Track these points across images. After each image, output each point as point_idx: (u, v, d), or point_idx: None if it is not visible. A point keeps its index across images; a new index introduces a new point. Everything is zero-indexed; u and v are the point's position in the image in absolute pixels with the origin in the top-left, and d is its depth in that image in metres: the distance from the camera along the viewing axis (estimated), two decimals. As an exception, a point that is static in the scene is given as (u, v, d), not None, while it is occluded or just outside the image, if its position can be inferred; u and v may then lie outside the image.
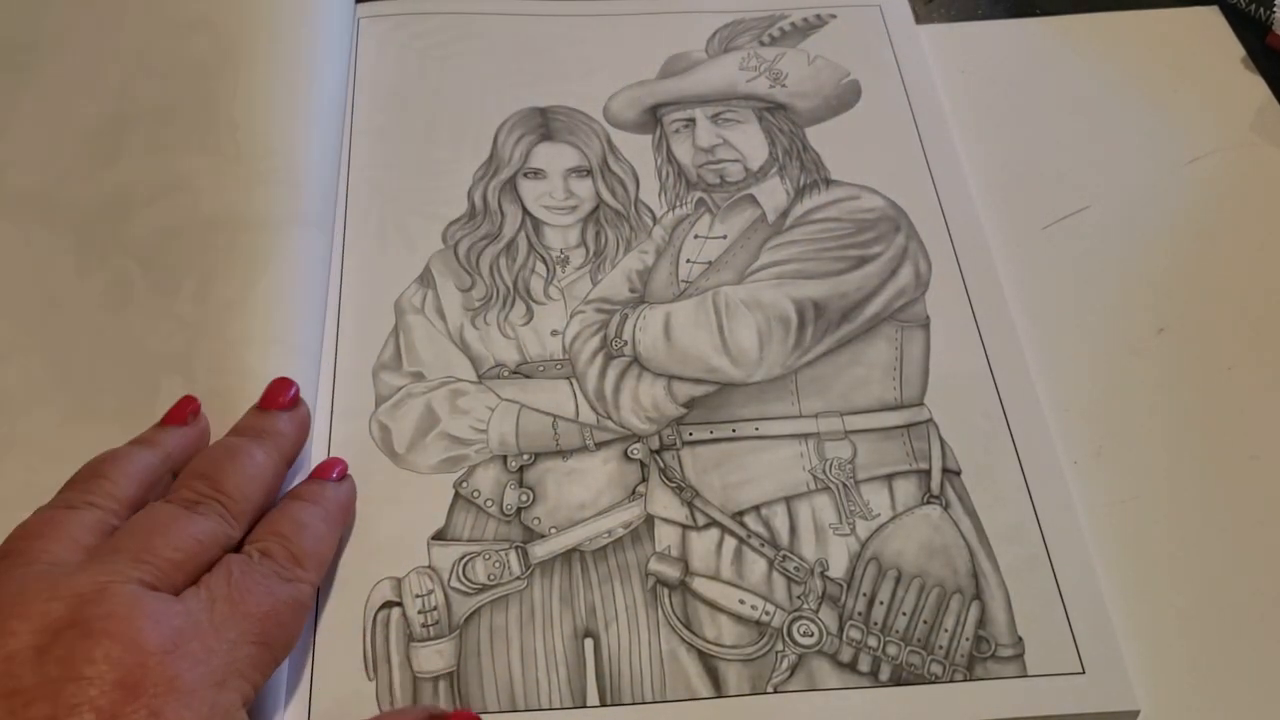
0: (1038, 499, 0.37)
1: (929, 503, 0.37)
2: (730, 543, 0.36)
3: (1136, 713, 0.33)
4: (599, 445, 0.38)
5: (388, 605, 0.35)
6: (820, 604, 0.34)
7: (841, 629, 0.34)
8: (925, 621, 0.34)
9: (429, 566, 0.35)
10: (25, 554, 0.29)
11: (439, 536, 0.36)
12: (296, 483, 0.35)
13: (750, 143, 0.47)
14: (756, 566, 0.35)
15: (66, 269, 0.40)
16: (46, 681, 0.26)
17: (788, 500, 0.37)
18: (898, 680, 0.33)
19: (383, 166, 0.46)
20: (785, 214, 0.44)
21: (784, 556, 0.35)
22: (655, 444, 0.38)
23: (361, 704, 0.33)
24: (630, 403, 0.39)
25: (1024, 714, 0.32)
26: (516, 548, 0.36)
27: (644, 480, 0.37)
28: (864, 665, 0.33)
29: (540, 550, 0.36)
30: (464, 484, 0.37)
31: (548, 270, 0.43)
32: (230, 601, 0.29)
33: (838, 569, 0.35)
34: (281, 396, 0.35)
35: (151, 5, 0.46)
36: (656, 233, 0.44)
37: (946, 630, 0.34)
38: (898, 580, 0.35)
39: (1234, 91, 0.49)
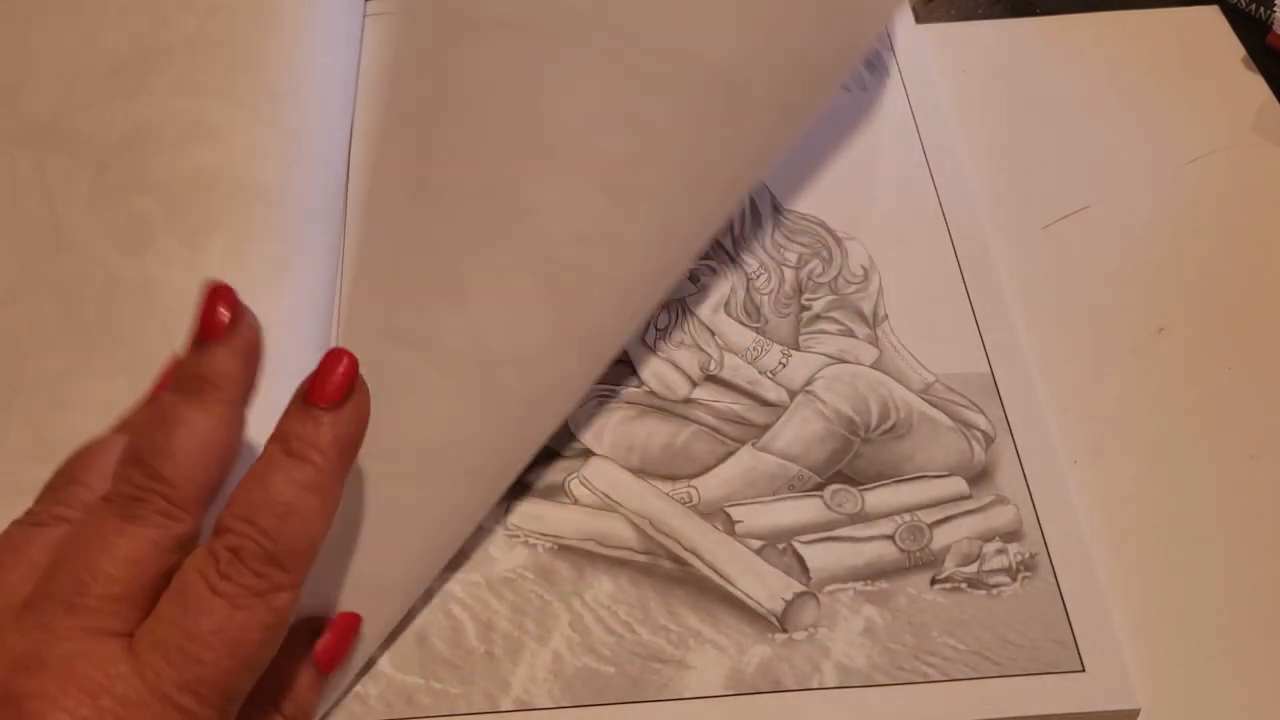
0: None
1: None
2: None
3: (1137, 711, 0.33)
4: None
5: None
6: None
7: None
8: (925, 621, 0.34)
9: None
10: None
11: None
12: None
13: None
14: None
15: (80, 202, 0.37)
16: None
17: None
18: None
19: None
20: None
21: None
22: None
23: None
24: None
25: (1023, 713, 0.32)
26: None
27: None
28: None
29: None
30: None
31: None
32: (186, 656, 0.25)
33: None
34: (214, 321, 0.28)
35: None
36: None
37: (947, 629, 0.34)
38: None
39: (1234, 91, 0.49)
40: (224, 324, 0.28)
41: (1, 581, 0.26)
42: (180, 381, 0.28)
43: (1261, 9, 0.51)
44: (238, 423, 0.28)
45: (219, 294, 0.28)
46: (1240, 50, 0.50)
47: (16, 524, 0.28)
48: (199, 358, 0.28)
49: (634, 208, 0.35)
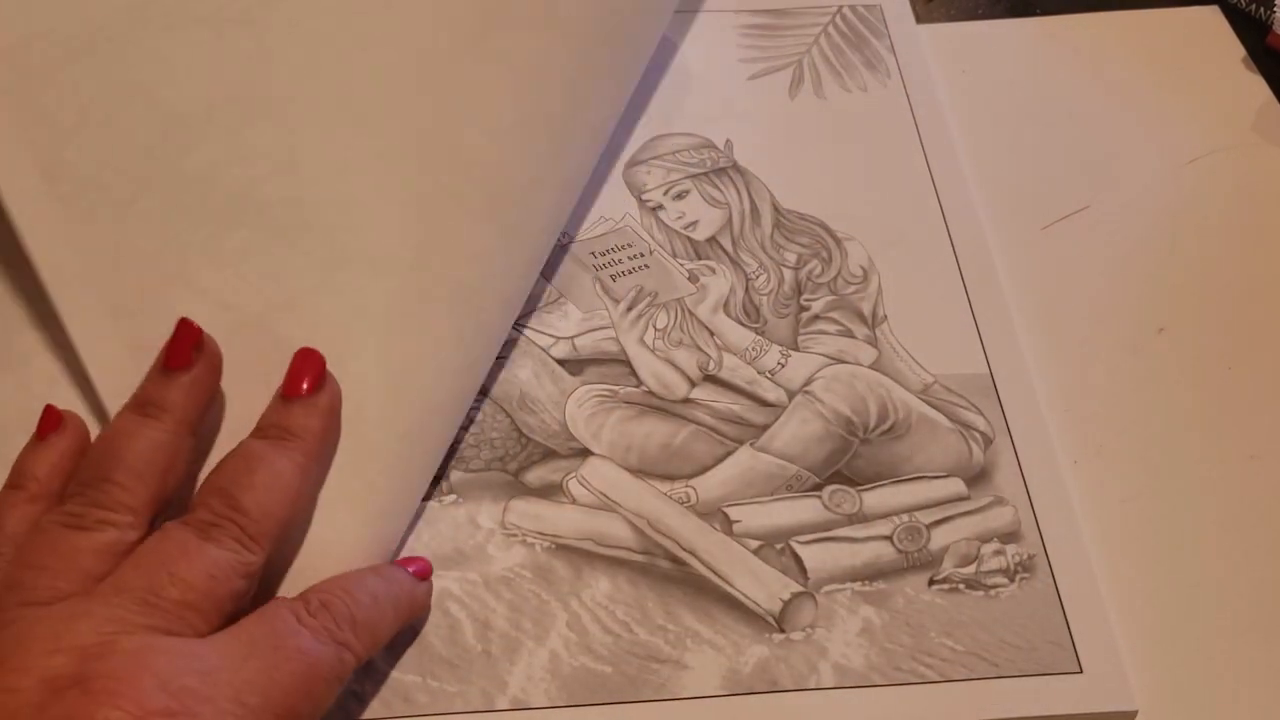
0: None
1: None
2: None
3: (1135, 713, 0.33)
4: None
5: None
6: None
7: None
8: (923, 621, 0.34)
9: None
10: (28, 588, 0.27)
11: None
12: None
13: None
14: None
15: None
16: None
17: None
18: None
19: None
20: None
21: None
22: None
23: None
24: None
25: (1021, 714, 0.32)
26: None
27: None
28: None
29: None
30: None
31: None
32: (265, 663, 0.27)
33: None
34: (303, 379, 0.31)
35: None
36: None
37: (944, 630, 0.34)
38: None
39: (1234, 91, 0.49)
40: (310, 385, 0.31)
41: (55, 586, 0.27)
42: (264, 429, 0.31)
43: (1261, 9, 0.51)
44: (313, 473, 0.31)
45: (308, 353, 0.32)
46: (1240, 50, 0.50)
47: (58, 525, 0.28)
48: (284, 410, 0.31)
49: (301, 130, 0.35)
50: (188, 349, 0.31)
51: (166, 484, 0.30)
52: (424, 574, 0.33)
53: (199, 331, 0.31)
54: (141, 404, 0.31)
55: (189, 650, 0.26)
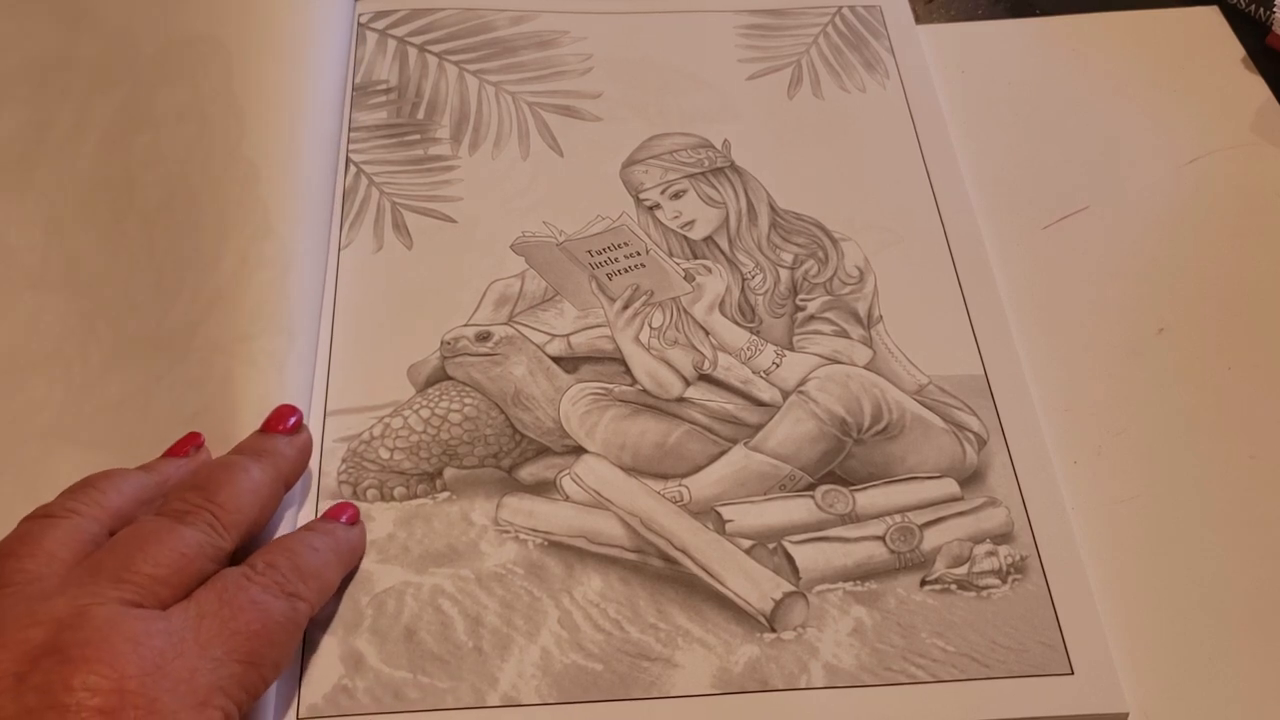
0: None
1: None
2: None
3: (1125, 715, 0.33)
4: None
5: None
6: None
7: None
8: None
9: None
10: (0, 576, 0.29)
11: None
12: (292, 511, 0.35)
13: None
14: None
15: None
16: (26, 711, 0.25)
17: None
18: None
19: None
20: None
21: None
22: None
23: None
24: None
25: (1012, 715, 0.32)
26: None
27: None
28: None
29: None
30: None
31: None
32: (219, 618, 0.29)
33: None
34: (283, 422, 0.35)
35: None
36: None
37: (934, 629, 0.34)
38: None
39: (1234, 91, 0.49)
40: (289, 425, 0.35)
41: (24, 569, 0.29)
42: (243, 449, 0.34)
43: (1261, 9, 0.50)
44: (279, 492, 0.34)
45: (290, 407, 0.36)
46: (1240, 50, 0.50)
47: (29, 519, 0.31)
48: (264, 437, 0.35)
49: None
50: (186, 448, 0.35)
51: (136, 507, 0.32)
52: (354, 519, 0.35)
53: (198, 436, 0.35)
54: (140, 467, 0.34)
55: (154, 616, 0.28)
